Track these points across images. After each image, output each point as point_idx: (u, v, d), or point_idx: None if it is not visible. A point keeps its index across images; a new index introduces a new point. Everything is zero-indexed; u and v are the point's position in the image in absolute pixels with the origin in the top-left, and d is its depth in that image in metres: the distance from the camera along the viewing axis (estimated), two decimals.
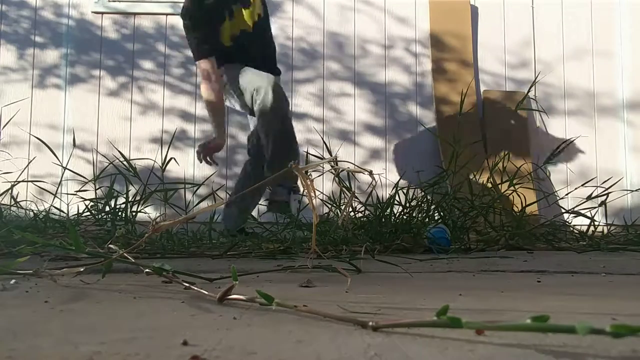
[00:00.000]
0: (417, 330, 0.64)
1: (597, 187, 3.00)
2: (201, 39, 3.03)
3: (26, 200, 3.20)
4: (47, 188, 3.25)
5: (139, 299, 0.94)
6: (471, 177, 2.84)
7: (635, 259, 2.05)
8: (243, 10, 3.12)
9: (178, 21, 4.17)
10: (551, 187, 2.99)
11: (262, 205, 3.73)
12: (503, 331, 0.60)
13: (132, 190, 2.62)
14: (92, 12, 4.15)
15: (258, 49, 3.21)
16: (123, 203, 2.51)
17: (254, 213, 3.25)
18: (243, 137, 4.09)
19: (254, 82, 2.93)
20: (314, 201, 1.18)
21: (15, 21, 4.17)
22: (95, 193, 2.63)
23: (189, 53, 4.14)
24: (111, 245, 1.26)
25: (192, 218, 1.09)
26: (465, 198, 2.82)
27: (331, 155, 3.41)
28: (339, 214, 2.75)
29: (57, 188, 2.73)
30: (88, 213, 2.54)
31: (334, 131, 4.09)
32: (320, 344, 0.58)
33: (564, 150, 2.90)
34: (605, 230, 3.14)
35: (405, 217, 2.65)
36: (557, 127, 4.11)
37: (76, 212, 2.63)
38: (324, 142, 3.79)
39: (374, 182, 1.35)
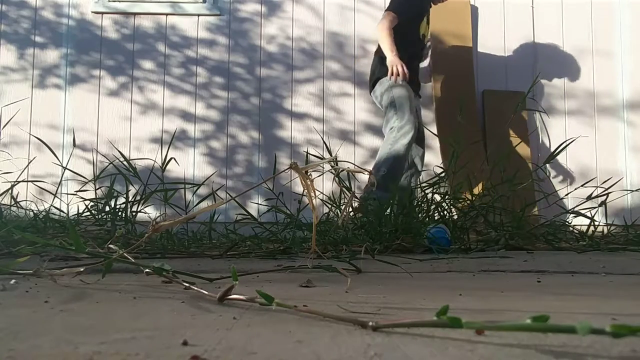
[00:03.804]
0: (417, 330, 0.64)
1: (597, 187, 3.00)
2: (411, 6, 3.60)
3: (26, 200, 3.21)
4: (47, 188, 3.26)
5: (139, 299, 0.94)
6: (471, 177, 2.84)
7: (635, 259, 2.05)
8: (425, 18, 3.73)
9: (178, 21, 4.17)
10: (551, 187, 2.99)
11: (262, 205, 3.73)
12: (503, 331, 0.60)
13: (132, 190, 2.62)
14: (92, 12, 4.15)
15: (419, 60, 3.81)
16: (123, 203, 2.51)
17: (255, 213, 3.24)
18: (243, 137, 4.09)
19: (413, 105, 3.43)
20: (314, 201, 1.18)
21: (15, 21, 4.16)
22: (95, 193, 2.63)
23: (189, 53, 4.17)
24: (111, 245, 1.26)
25: (192, 218, 1.09)
26: (465, 198, 2.82)
27: (331, 155, 3.41)
28: (339, 214, 2.75)
29: (57, 188, 2.74)
30: (88, 213, 2.54)
31: (334, 131, 4.09)
32: (321, 344, 0.58)
33: (564, 150, 2.90)
34: (605, 230, 3.13)
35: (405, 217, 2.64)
36: (557, 127, 4.11)
37: (76, 212, 2.63)
38: (324, 142, 3.79)
39: (374, 182, 1.35)
